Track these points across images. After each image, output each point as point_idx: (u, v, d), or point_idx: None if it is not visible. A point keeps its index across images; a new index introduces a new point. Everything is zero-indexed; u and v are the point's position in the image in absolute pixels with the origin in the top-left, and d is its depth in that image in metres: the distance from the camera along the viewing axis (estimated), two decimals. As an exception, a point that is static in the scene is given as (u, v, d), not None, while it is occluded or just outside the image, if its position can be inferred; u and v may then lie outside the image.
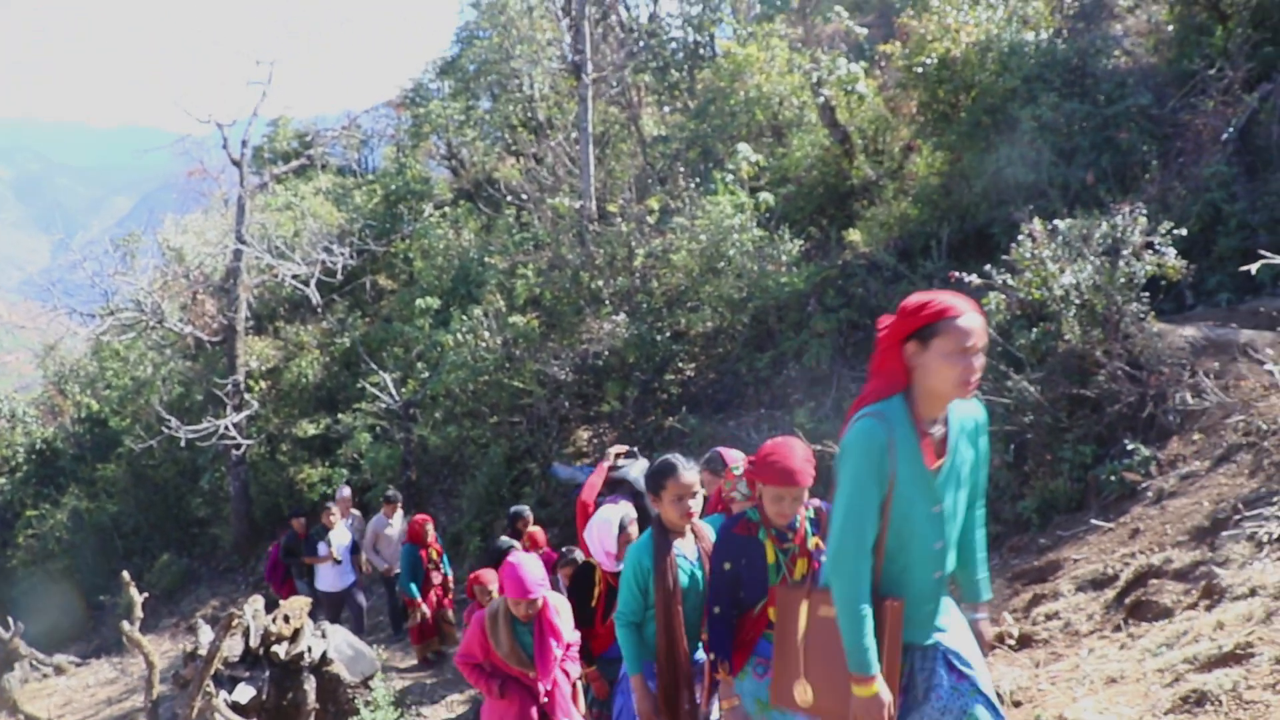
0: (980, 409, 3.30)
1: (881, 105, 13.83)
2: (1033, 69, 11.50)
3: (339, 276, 19.05)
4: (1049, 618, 5.94)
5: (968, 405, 3.24)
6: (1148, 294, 7.83)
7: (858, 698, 3.06)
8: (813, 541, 3.85)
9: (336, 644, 9.17)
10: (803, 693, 3.36)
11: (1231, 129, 9.91)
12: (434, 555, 10.59)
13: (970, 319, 3.00)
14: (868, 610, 3.06)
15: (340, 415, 16.67)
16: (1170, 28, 12.13)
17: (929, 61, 12.25)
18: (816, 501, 3.95)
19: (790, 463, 3.74)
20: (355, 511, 12.62)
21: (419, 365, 15.70)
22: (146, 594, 11.33)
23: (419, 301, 16.34)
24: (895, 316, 3.10)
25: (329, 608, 11.47)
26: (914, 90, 12.98)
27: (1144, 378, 7.39)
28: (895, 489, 3.05)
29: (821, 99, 13.52)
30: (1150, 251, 7.84)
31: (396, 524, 11.61)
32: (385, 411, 15.28)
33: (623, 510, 5.43)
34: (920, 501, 3.08)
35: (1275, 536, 5.14)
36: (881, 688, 3.05)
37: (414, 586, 10.37)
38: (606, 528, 5.31)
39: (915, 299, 3.08)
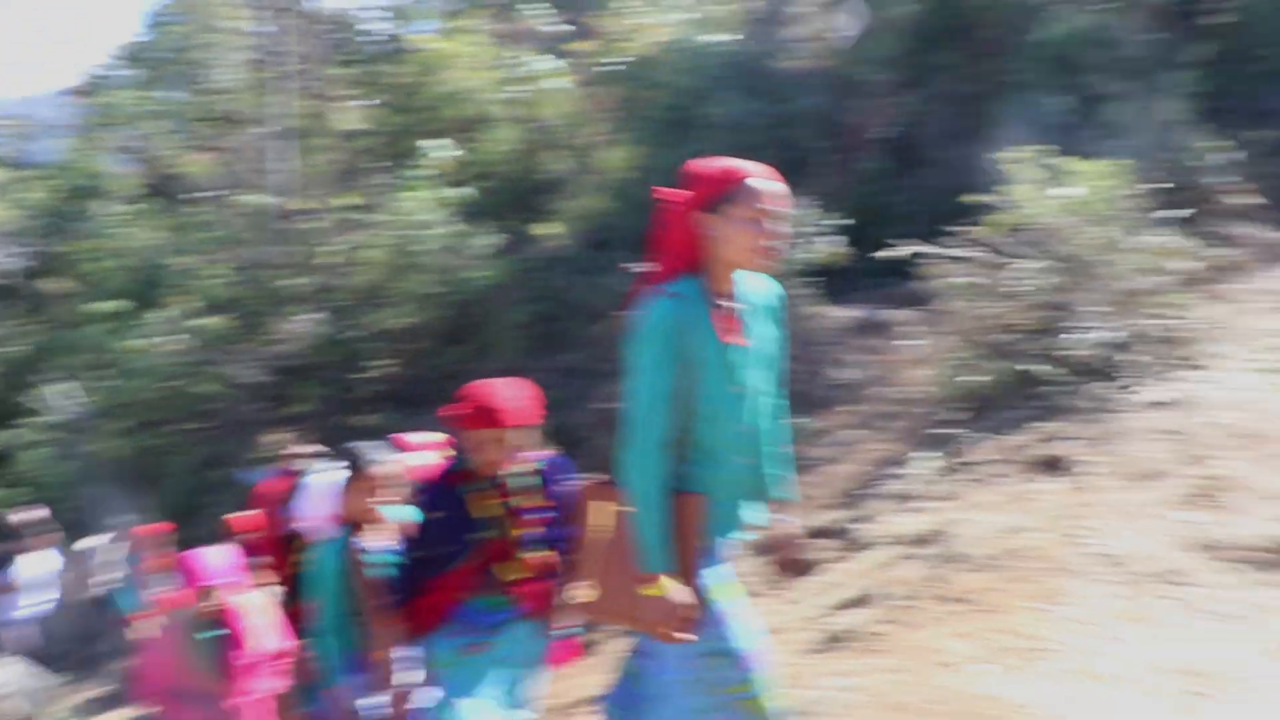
0: (777, 285, 3.12)
1: (576, 102, 14.11)
2: (716, 70, 12.05)
3: (10, 279, 17.66)
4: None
5: (764, 281, 3.05)
6: (820, 278, 8.39)
7: (646, 598, 2.80)
8: (524, 500, 3.62)
9: (10, 675, 8.54)
10: (586, 592, 3.07)
11: (891, 129, 10.80)
12: (160, 569, 9.72)
13: (763, 181, 2.84)
14: (660, 505, 2.80)
15: (11, 429, 15.37)
16: (846, 34, 13.03)
17: (621, 60, 12.64)
18: (544, 454, 3.69)
19: (491, 401, 3.49)
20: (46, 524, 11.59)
21: (99, 373, 14.69)
22: None
23: (100, 305, 15.27)
24: (683, 186, 2.89)
25: (11, 640, 10.47)
26: (606, 87, 13.34)
27: (809, 355, 7.94)
28: (694, 370, 2.83)
29: (518, 94, 13.68)
30: (817, 240, 8.42)
31: (93, 547, 10.80)
32: (62, 424, 14.23)
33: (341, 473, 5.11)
34: (723, 382, 2.88)
35: (907, 493, 5.68)
36: (672, 587, 2.80)
37: (132, 602, 9.46)
38: (324, 488, 4.85)
39: (703, 165, 2.90)
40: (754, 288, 3.02)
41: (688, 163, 2.94)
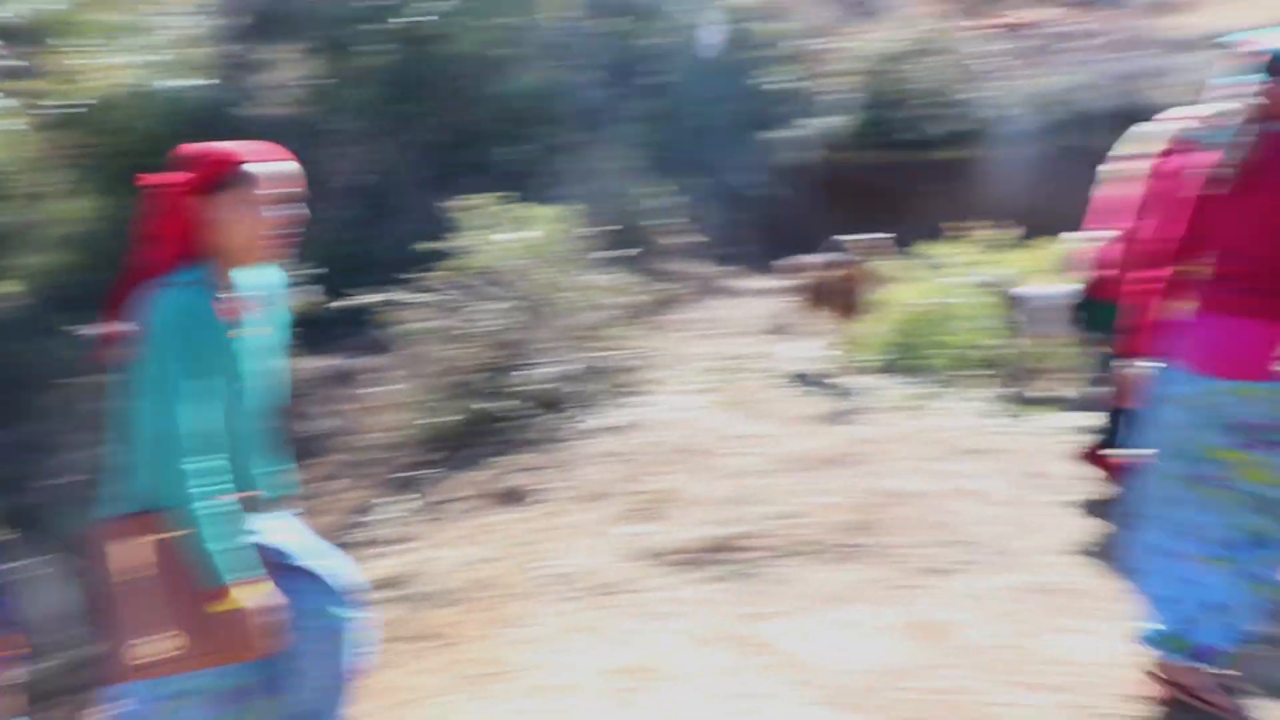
0: (280, 273, 2.96)
1: (28, 146, 12.92)
2: (185, 115, 11.58)
3: None
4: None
5: (267, 269, 2.90)
6: (295, 329, 8.29)
7: (222, 617, 2.55)
8: None
9: None
10: (164, 644, 2.59)
11: (364, 177, 10.98)
12: None
13: (266, 166, 2.69)
14: (208, 511, 2.57)
15: None
16: (319, 83, 13.00)
17: (80, 103, 11.78)
18: None
19: None
20: None
21: None
22: None
23: None
24: (178, 170, 2.69)
25: None
26: (63, 132, 12.36)
27: (283, 407, 7.87)
28: (205, 364, 2.65)
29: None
30: (296, 290, 8.33)
31: None
32: None
33: None
34: (232, 375, 2.74)
35: (379, 538, 5.83)
36: (247, 595, 2.58)
37: None
38: None
39: (200, 148, 2.72)
40: (258, 275, 2.91)
41: (182, 146, 2.78)
